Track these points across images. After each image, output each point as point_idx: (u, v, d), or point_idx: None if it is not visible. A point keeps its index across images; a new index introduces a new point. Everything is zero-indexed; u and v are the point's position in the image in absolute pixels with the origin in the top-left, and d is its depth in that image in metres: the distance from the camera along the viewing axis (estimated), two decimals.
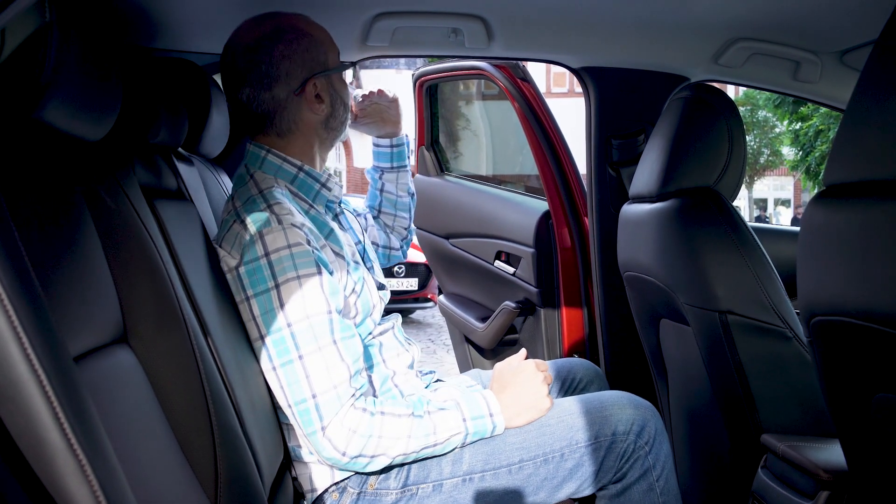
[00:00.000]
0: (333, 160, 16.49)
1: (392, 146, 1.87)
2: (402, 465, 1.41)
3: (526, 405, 1.44)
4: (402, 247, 1.95)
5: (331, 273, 1.37)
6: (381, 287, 1.61)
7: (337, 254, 1.44)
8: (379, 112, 1.83)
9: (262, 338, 1.34)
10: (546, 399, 1.46)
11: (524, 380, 1.46)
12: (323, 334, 1.32)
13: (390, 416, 1.34)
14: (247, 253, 1.34)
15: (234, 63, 1.47)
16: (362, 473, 1.42)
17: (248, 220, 1.37)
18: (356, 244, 1.60)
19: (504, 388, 1.46)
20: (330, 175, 1.56)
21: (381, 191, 1.91)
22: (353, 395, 1.33)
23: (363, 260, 1.59)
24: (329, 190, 1.55)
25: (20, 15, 0.75)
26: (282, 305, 1.32)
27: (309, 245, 1.35)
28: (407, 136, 1.91)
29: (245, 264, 1.34)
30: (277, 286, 1.32)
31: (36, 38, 0.83)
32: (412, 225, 1.97)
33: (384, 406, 1.36)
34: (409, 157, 1.91)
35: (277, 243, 1.33)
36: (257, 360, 1.36)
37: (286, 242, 1.33)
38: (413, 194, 1.95)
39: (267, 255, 1.33)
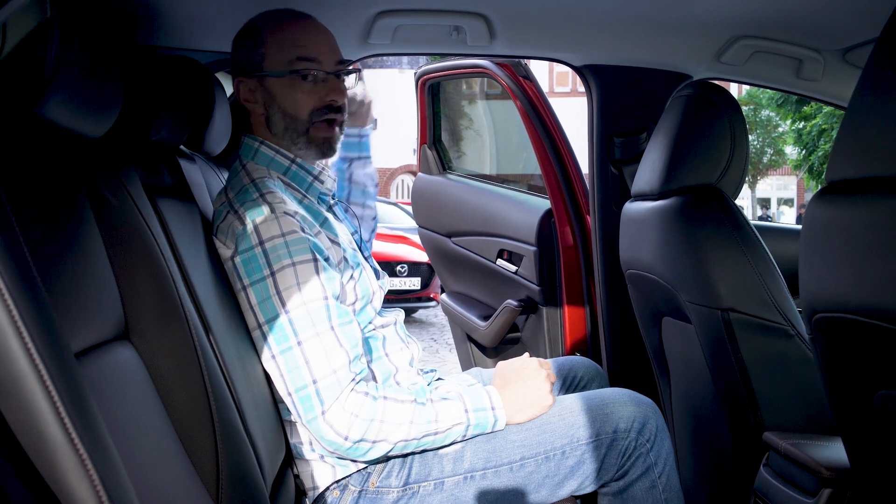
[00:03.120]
0: None
1: (360, 136, 1.89)
2: (401, 455, 1.42)
3: (528, 402, 1.45)
4: (370, 238, 1.96)
5: (326, 259, 1.38)
6: (379, 275, 1.61)
7: (332, 241, 1.45)
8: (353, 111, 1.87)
9: (260, 326, 1.35)
10: (548, 397, 1.46)
11: (527, 377, 1.47)
12: (320, 320, 1.32)
13: (392, 401, 1.35)
14: (242, 242, 1.35)
15: None
16: (363, 470, 1.42)
17: (242, 209, 1.38)
18: (352, 233, 1.61)
19: (506, 385, 1.46)
20: (323, 168, 1.56)
21: (350, 181, 1.91)
22: (353, 379, 1.33)
23: (360, 249, 1.60)
24: (322, 183, 1.55)
25: (21, 11, 0.75)
26: (278, 293, 1.32)
27: (303, 232, 1.36)
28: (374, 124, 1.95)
29: (240, 254, 1.35)
30: (273, 274, 1.33)
31: (37, 34, 0.83)
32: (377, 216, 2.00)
33: (387, 391, 1.36)
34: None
35: (271, 231, 1.34)
36: (257, 350, 1.37)
37: (280, 231, 1.34)
38: (376, 185, 1.97)
39: (261, 243, 1.34)
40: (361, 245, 1.63)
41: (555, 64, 2.29)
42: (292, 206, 1.40)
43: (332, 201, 1.61)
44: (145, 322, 1.04)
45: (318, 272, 1.34)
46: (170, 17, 1.68)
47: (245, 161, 1.51)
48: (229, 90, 2.16)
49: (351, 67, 1.58)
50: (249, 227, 1.35)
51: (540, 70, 20.33)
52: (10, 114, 0.85)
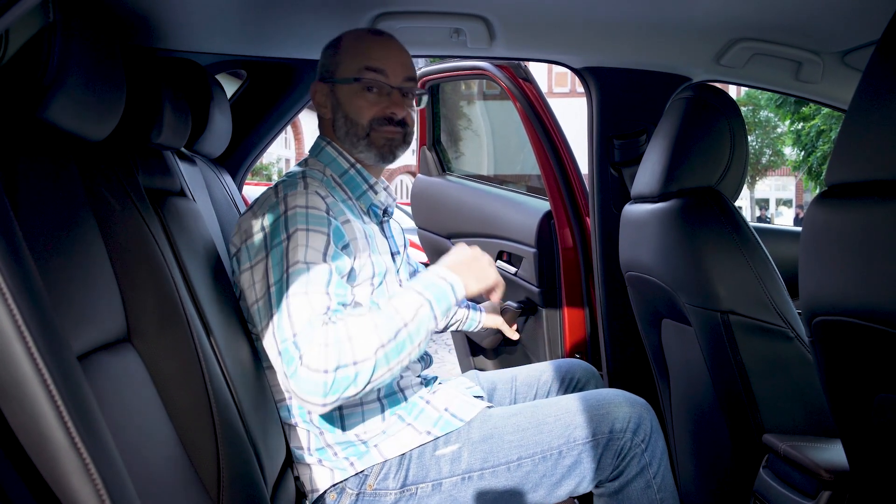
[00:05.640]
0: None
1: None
2: (398, 455, 1.42)
3: (473, 275, 1.45)
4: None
5: (345, 247, 1.39)
6: None
7: (362, 236, 1.45)
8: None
9: (268, 287, 1.34)
10: (490, 268, 1.47)
11: (469, 252, 1.48)
12: (316, 282, 1.30)
13: (351, 317, 1.29)
14: (272, 212, 1.38)
15: None
16: (360, 473, 1.42)
17: (281, 185, 1.43)
18: (394, 253, 1.60)
19: (449, 261, 1.46)
20: (381, 182, 1.59)
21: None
22: (323, 321, 1.27)
23: (396, 269, 1.59)
24: (375, 193, 1.57)
25: (24, 15, 0.75)
26: (287, 251, 1.33)
27: (327, 213, 1.38)
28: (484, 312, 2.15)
29: (270, 224, 1.38)
30: (288, 237, 1.34)
31: (39, 39, 0.84)
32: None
33: (344, 314, 1.31)
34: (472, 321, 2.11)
35: (297, 202, 1.37)
36: (265, 310, 1.36)
37: (305, 203, 1.37)
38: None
39: (286, 211, 1.37)
40: (399, 268, 1.62)
41: (554, 65, 2.29)
42: (325, 191, 1.43)
43: (383, 216, 1.62)
44: (147, 325, 1.05)
45: (325, 245, 1.34)
46: (171, 20, 1.68)
47: (310, 157, 1.58)
48: (230, 92, 2.17)
49: (422, 90, 1.60)
50: (281, 198, 1.39)
51: (539, 71, 20.30)
52: (12, 117, 0.86)
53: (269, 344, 1.31)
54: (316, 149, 1.58)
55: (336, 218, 1.40)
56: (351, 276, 1.41)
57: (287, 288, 1.29)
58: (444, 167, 3.14)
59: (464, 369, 2.98)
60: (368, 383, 1.26)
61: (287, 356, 1.24)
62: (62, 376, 0.67)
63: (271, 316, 1.30)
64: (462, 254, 1.46)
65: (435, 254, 3.09)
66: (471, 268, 1.44)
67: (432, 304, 1.34)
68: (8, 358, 0.64)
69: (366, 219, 1.54)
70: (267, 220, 1.39)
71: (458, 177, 3.10)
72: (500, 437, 1.44)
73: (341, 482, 1.43)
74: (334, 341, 1.23)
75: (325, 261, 1.32)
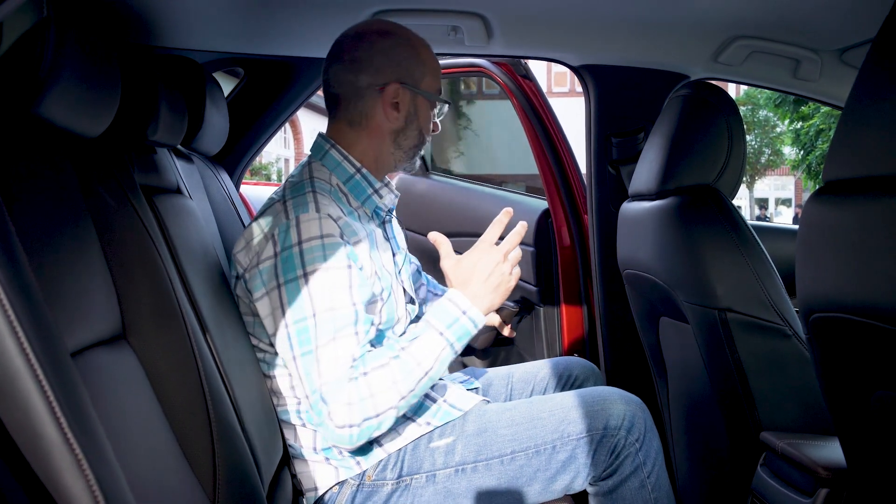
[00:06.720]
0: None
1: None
2: (395, 449, 1.43)
3: (492, 286, 1.42)
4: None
5: (361, 269, 1.38)
6: (410, 301, 1.61)
7: (368, 251, 1.44)
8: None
9: (286, 326, 1.34)
10: (509, 276, 1.43)
11: (483, 264, 1.43)
12: (344, 325, 1.32)
13: (373, 371, 1.32)
14: (284, 239, 1.36)
15: (338, 44, 1.51)
16: (364, 463, 1.43)
17: (290, 202, 1.39)
18: (395, 254, 1.60)
19: (467, 281, 1.43)
20: (385, 184, 1.56)
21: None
22: (350, 376, 1.31)
23: (399, 273, 1.59)
24: (381, 197, 1.55)
25: (18, 10, 0.75)
26: (309, 295, 1.32)
27: (342, 238, 1.36)
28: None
29: (281, 252, 1.35)
30: (305, 275, 1.33)
31: (34, 34, 0.84)
32: None
33: (366, 365, 1.33)
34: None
35: (311, 232, 1.35)
36: (280, 349, 1.37)
37: (319, 232, 1.35)
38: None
39: (300, 243, 1.34)
40: (401, 270, 1.62)
41: (553, 64, 2.29)
42: (336, 210, 1.40)
43: (386, 217, 1.61)
44: (142, 322, 1.04)
45: (349, 278, 1.34)
46: (168, 18, 1.68)
47: (313, 160, 1.53)
48: (227, 90, 2.17)
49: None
50: (292, 222, 1.36)
51: (538, 70, 20.27)
52: (7, 113, 0.85)
53: (294, 377, 1.38)
54: (319, 151, 1.53)
55: (349, 240, 1.38)
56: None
57: (316, 335, 1.32)
58: (427, 167, 3.13)
59: (452, 370, 2.97)
60: (393, 421, 1.35)
61: (315, 407, 1.32)
62: (55, 373, 0.67)
63: (295, 357, 1.34)
64: (481, 270, 1.42)
65: (420, 254, 3.08)
66: (489, 282, 1.42)
67: (454, 345, 1.38)
68: (1, 355, 0.64)
69: (370, 223, 1.53)
70: (278, 246, 1.36)
71: (443, 176, 3.09)
72: (494, 430, 1.44)
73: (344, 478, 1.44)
74: (357, 399, 1.30)
75: (350, 298, 1.33)
